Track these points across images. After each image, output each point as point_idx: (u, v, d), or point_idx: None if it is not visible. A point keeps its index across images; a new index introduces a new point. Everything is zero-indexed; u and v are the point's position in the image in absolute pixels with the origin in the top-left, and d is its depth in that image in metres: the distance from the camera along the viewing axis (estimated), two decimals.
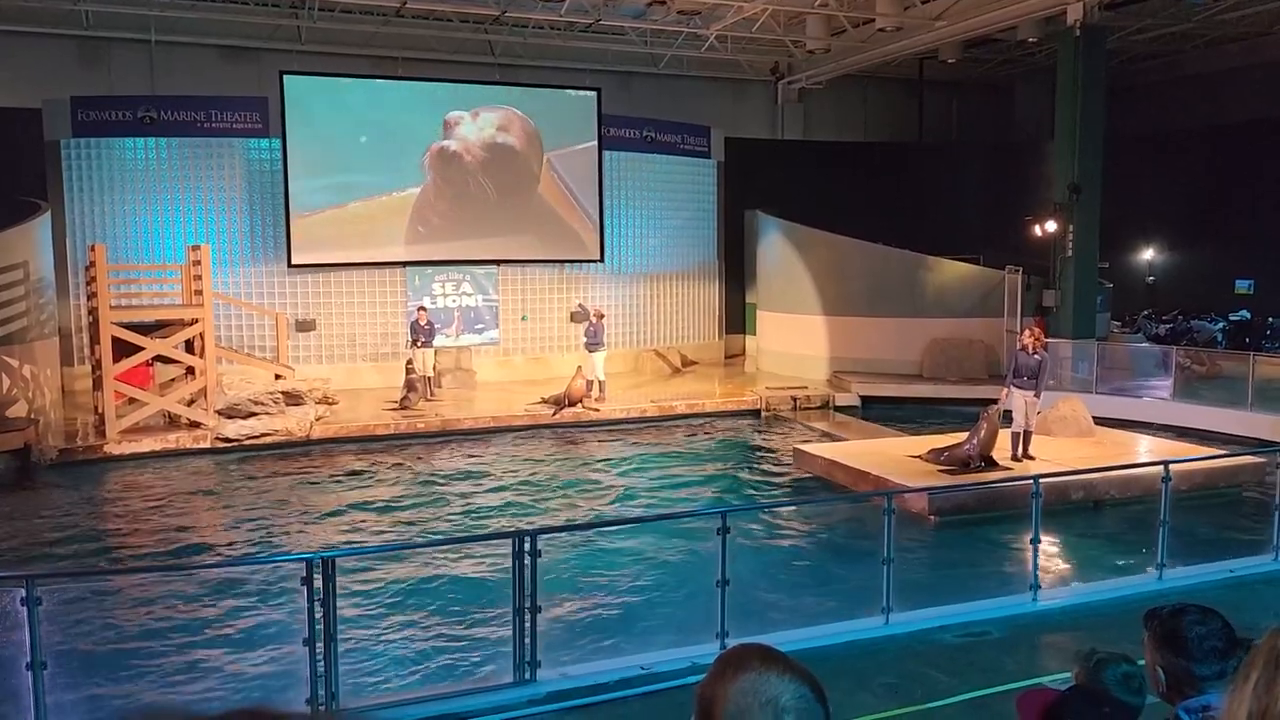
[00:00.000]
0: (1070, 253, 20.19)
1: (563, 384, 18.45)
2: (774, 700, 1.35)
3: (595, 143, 22.36)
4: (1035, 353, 13.60)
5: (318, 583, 6.29)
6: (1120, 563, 10.56)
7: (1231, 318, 25.30)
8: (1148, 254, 27.99)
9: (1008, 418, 13.67)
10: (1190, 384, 18.55)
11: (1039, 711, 2.71)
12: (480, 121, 21.50)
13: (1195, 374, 19.14)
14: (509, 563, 6.92)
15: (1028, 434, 13.54)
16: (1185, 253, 27.26)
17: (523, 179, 21.95)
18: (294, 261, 20.21)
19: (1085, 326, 20.25)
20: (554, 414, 17.95)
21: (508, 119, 21.72)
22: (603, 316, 19.94)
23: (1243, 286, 26.02)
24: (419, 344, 19.25)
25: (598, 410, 18.42)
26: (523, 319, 22.45)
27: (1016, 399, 13.55)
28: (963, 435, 13.52)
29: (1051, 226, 20.49)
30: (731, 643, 7.11)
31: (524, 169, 21.95)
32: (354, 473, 15.12)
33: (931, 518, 11.79)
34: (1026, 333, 14.11)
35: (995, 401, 13.85)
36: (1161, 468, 9.44)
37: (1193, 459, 12.53)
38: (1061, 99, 20.55)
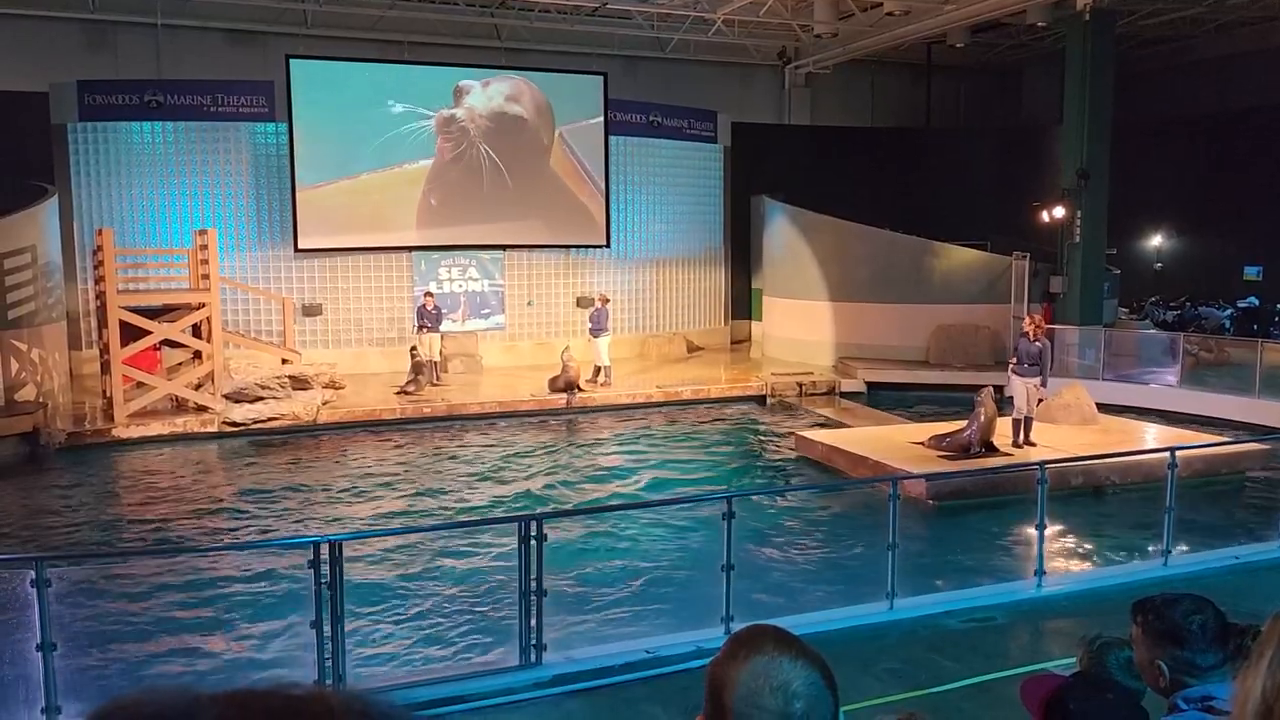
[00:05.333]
0: (1078, 239, 20.12)
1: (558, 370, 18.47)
2: (785, 685, 1.35)
3: (601, 121, 22.29)
4: (1037, 340, 13.58)
5: (325, 566, 6.32)
6: (1122, 549, 10.56)
7: (1240, 304, 25.21)
8: (1156, 240, 27.89)
9: (1008, 403, 13.66)
10: (1197, 371, 18.51)
11: (1042, 698, 2.72)
12: (490, 91, 21.44)
13: (1203, 361, 19.09)
14: (514, 546, 6.95)
15: (1028, 420, 13.53)
16: (1194, 239, 27.15)
17: (533, 149, 21.83)
18: (301, 246, 20.22)
19: (1092, 313, 20.18)
20: (567, 402, 17.98)
21: (519, 89, 21.67)
22: (608, 301, 19.91)
23: (1251, 273, 25.93)
24: (426, 329, 19.26)
25: (594, 397, 18.43)
26: (529, 304, 22.45)
27: (1018, 386, 13.52)
28: (964, 422, 13.51)
29: (1059, 212, 20.41)
30: (736, 627, 7.14)
31: (534, 138, 21.83)
32: (360, 457, 15.17)
33: (930, 503, 11.79)
34: (1028, 320, 14.10)
35: (1002, 387, 13.82)
36: (1167, 454, 9.44)
37: (1198, 445, 12.50)
38: (1070, 84, 20.44)
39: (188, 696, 0.79)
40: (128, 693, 0.79)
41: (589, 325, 19.55)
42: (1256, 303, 25.03)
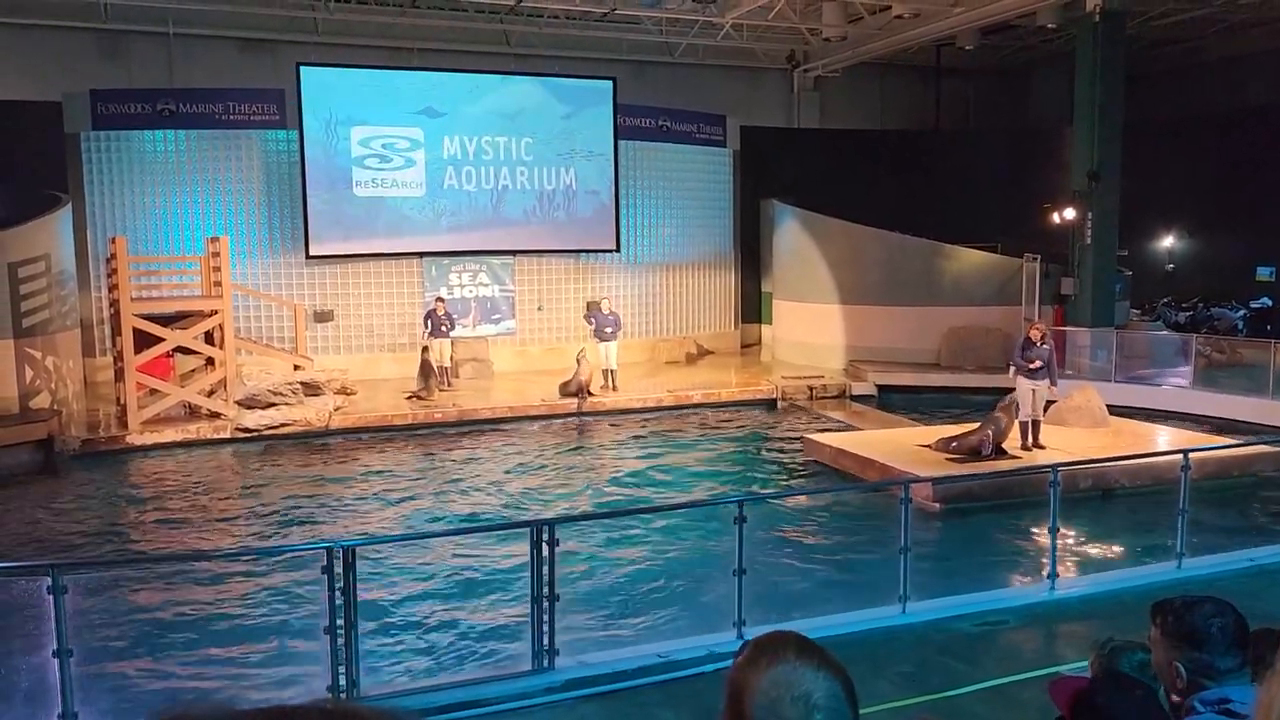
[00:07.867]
0: (1089, 240, 20.06)
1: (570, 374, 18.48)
2: (806, 696, 1.34)
3: (611, 126, 22.33)
4: (1044, 343, 13.57)
5: (338, 571, 6.35)
6: (1134, 552, 10.52)
7: (1253, 305, 25.07)
8: (1167, 241, 27.75)
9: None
10: (1210, 372, 18.41)
11: (1071, 695, 2.73)
12: (500, 97, 21.48)
13: (1215, 362, 18.99)
14: (526, 551, 6.96)
15: (1035, 424, 13.50)
16: (1205, 240, 27.00)
17: (543, 153, 21.89)
18: (312, 252, 20.30)
19: (1104, 314, 20.11)
20: (578, 406, 18.02)
21: (531, 94, 21.75)
22: (606, 302, 19.85)
23: (1264, 274, 25.77)
24: (438, 333, 19.26)
25: (605, 401, 18.43)
26: (539, 309, 22.49)
27: (1025, 388, 13.48)
28: (973, 424, 13.48)
29: (1070, 214, 20.35)
30: (749, 631, 7.14)
31: (544, 143, 21.89)
32: (372, 462, 15.21)
33: (936, 505, 11.75)
34: (1036, 326, 14.11)
35: (1013, 391, 13.77)
36: (1180, 456, 9.40)
37: (1211, 447, 12.43)
38: (1080, 85, 20.38)
39: (228, 711, 0.81)
40: (168, 707, 0.81)
41: (595, 328, 19.36)
42: (1269, 303, 24.89)
